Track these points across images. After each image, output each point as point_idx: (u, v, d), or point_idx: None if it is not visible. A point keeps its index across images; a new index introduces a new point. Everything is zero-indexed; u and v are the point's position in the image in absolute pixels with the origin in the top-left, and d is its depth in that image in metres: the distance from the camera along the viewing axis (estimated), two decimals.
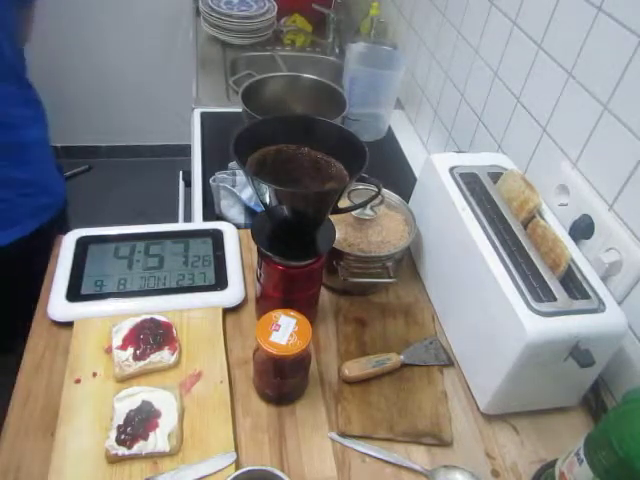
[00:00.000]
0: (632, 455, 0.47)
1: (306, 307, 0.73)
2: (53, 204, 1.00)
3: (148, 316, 0.73)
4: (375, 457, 0.66)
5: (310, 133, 0.68)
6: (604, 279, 0.69)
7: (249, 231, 0.71)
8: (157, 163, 2.60)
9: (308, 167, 0.68)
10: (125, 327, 0.72)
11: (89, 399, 0.66)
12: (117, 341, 0.70)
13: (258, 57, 1.60)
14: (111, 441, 0.60)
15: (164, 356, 0.70)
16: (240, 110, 1.10)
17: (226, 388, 0.69)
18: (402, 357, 0.75)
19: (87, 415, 0.64)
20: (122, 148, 2.64)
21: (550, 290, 0.65)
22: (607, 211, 0.71)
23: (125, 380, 0.68)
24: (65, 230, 0.86)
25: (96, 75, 2.33)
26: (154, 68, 2.38)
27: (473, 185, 0.80)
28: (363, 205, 0.75)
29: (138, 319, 0.73)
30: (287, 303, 0.69)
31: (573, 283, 0.68)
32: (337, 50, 1.64)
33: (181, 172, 1.44)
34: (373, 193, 0.72)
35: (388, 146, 1.30)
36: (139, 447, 0.60)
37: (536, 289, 0.67)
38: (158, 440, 0.61)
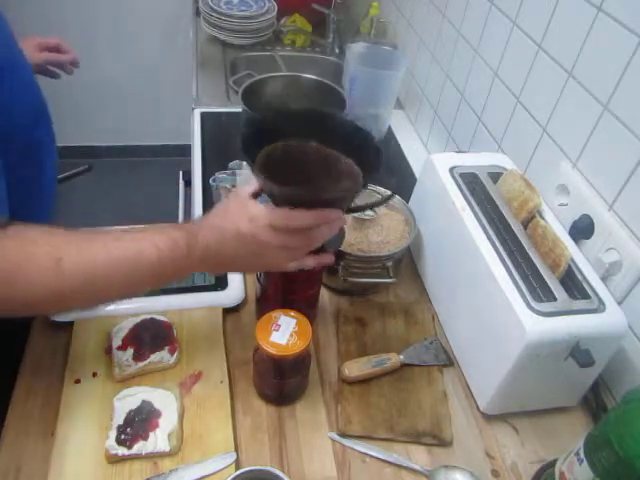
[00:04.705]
0: (632, 455, 0.47)
1: (306, 307, 0.73)
2: None
3: (148, 316, 0.73)
4: (375, 457, 0.65)
5: (320, 128, 0.63)
6: (604, 279, 0.69)
7: None
8: (157, 163, 2.60)
9: (317, 164, 0.65)
10: (125, 327, 0.72)
11: (89, 399, 0.66)
12: (117, 341, 0.70)
13: (258, 57, 1.60)
14: (111, 441, 0.60)
15: (164, 356, 0.70)
16: (240, 110, 1.10)
17: (226, 388, 0.69)
18: (402, 357, 0.75)
19: (87, 415, 0.64)
20: (122, 148, 2.64)
21: (550, 290, 0.65)
22: (607, 211, 0.71)
23: (125, 380, 0.68)
24: None
25: (96, 75, 2.33)
26: (154, 68, 2.37)
27: (473, 185, 0.80)
28: (376, 205, 0.72)
29: (138, 319, 0.73)
30: (287, 303, 0.69)
31: (573, 283, 0.68)
32: (337, 50, 1.64)
33: (181, 172, 1.45)
34: (376, 195, 0.71)
35: (388, 146, 1.29)
36: (139, 447, 0.60)
37: (536, 289, 0.67)
38: (158, 440, 0.61)
